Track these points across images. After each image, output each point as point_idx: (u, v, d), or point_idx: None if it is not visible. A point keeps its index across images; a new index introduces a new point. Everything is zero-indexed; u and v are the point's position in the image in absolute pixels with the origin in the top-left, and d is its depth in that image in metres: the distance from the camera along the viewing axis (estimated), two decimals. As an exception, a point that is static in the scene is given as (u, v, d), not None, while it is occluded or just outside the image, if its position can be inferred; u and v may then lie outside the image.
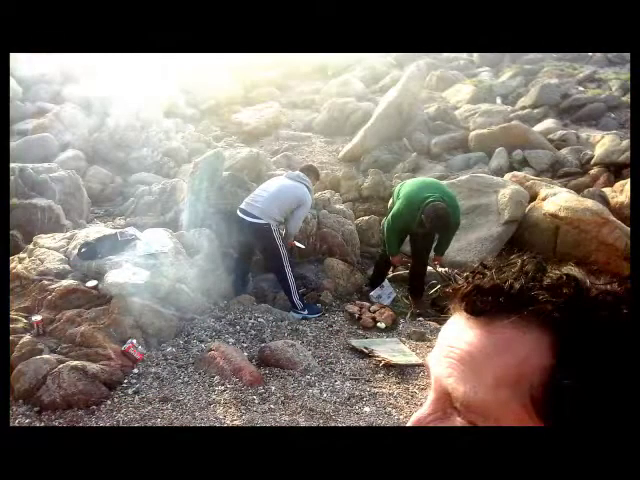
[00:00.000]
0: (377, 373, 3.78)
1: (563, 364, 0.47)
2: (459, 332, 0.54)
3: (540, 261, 0.54)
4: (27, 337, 3.45)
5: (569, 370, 0.46)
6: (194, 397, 3.28)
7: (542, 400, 0.47)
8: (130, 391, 3.32)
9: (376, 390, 3.54)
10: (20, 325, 3.58)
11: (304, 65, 13.65)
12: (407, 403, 3.43)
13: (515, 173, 7.11)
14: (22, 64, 9.63)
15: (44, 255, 4.31)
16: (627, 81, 10.73)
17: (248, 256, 5.01)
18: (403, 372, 3.82)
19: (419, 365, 3.87)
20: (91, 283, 3.99)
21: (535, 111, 10.17)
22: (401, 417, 3.24)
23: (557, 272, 0.52)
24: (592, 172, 7.73)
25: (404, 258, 5.29)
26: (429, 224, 4.44)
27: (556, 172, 7.94)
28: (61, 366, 3.21)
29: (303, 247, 5.31)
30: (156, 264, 4.19)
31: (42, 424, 2.98)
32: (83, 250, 4.24)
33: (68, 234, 4.73)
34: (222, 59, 11.85)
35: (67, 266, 4.20)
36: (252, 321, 4.36)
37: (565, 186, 6.95)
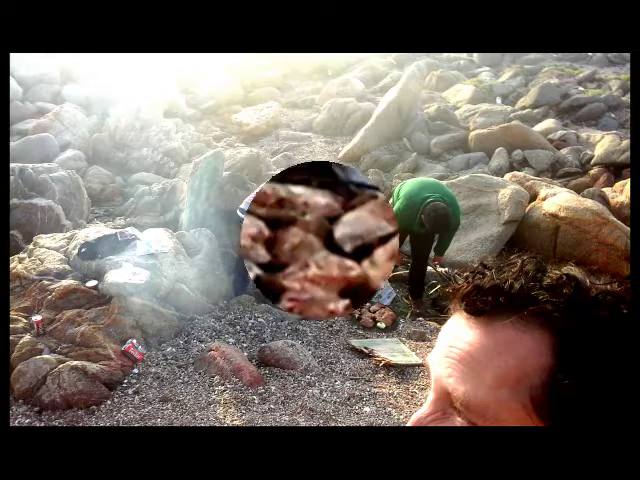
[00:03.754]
0: (377, 373, 3.78)
1: (563, 364, 0.47)
2: (459, 332, 0.54)
3: (540, 261, 0.54)
4: (27, 337, 3.45)
5: (569, 370, 0.46)
6: (194, 397, 3.28)
7: (542, 400, 0.47)
8: (130, 391, 3.32)
9: (376, 390, 3.54)
10: (20, 325, 3.58)
11: (304, 65, 13.64)
12: (407, 403, 3.42)
13: (515, 173, 7.10)
14: (22, 64, 9.63)
15: (44, 255, 4.31)
16: (627, 81, 10.73)
17: (248, 256, 5.00)
18: (403, 372, 3.82)
19: (419, 365, 3.87)
20: (91, 283, 3.99)
21: (535, 111, 10.17)
22: (401, 417, 3.24)
23: (557, 272, 0.52)
24: (592, 172, 7.72)
25: (404, 258, 5.28)
26: (429, 224, 4.43)
27: (556, 172, 7.94)
28: (61, 366, 3.21)
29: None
30: (156, 264, 4.19)
31: (42, 424, 2.98)
32: (83, 250, 4.24)
33: (68, 234, 4.73)
34: (222, 59, 11.86)
35: (67, 266, 4.20)
36: (252, 321, 4.36)
37: (565, 186, 6.94)
